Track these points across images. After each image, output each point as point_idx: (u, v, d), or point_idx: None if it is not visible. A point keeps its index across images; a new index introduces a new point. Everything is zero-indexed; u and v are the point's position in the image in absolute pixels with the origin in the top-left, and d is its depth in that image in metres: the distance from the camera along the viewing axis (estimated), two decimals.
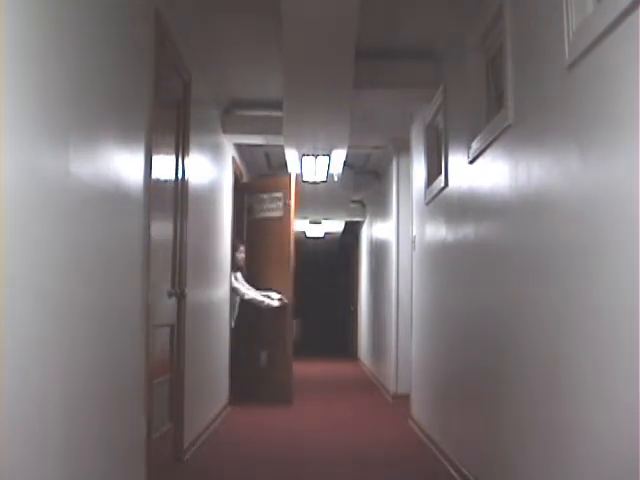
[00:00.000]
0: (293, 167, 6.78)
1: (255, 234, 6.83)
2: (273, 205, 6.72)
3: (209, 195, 5.06)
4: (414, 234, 5.62)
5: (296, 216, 6.91)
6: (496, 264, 3.11)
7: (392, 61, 4.74)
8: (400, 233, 6.86)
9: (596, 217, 1.94)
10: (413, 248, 5.68)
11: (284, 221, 6.67)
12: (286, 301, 6.50)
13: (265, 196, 6.79)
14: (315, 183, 7.26)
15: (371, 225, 10.01)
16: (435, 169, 4.70)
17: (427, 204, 4.91)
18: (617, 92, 1.81)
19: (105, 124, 2.49)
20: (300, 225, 10.39)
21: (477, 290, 3.47)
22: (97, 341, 2.40)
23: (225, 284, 5.99)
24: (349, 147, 6.06)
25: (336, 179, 7.44)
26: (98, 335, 2.42)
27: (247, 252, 6.65)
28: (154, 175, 3.20)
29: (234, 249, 6.38)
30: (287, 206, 6.64)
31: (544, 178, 2.43)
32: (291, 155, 6.30)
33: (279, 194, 6.70)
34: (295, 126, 5.39)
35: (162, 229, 3.48)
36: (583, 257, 2.03)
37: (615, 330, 1.80)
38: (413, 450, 4.55)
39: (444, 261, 4.37)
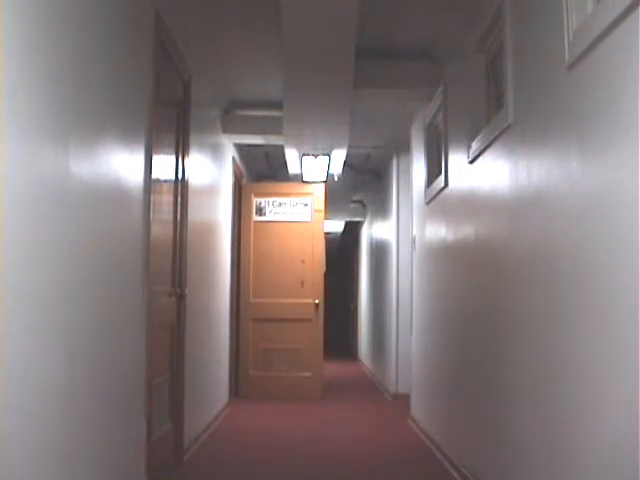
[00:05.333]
0: (293, 167, 6.80)
1: (265, 235, 7.04)
2: (296, 210, 7.11)
3: (209, 195, 5.06)
4: (414, 234, 5.62)
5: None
6: (496, 264, 3.11)
7: (392, 61, 4.74)
8: (400, 233, 6.86)
9: (596, 217, 1.94)
10: (413, 248, 5.68)
11: (313, 225, 7.12)
12: None
13: (285, 200, 7.12)
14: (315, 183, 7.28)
15: (371, 225, 10.01)
16: (435, 169, 4.70)
17: (427, 204, 4.91)
18: (617, 92, 1.81)
19: (105, 124, 2.49)
20: None
21: (477, 290, 3.47)
22: (97, 341, 2.40)
23: (225, 284, 5.99)
24: (349, 147, 6.07)
25: (336, 179, 7.45)
26: (98, 335, 2.42)
27: (255, 250, 6.86)
28: (154, 175, 3.20)
29: None
30: (316, 212, 7.10)
31: (544, 178, 2.43)
32: (291, 155, 6.31)
33: (306, 200, 7.11)
34: (295, 126, 5.40)
35: (162, 229, 3.48)
36: (583, 256, 2.03)
37: (615, 330, 1.80)
38: (413, 450, 4.55)
39: (444, 261, 4.37)
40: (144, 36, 3.07)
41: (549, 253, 2.35)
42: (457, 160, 3.98)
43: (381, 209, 8.43)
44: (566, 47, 2.14)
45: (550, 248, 2.34)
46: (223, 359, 5.92)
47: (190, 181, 4.05)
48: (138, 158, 2.97)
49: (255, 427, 5.34)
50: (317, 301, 6.96)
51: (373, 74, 4.72)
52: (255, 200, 7.10)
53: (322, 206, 7.10)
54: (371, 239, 9.97)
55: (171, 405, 3.73)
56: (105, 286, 2.50)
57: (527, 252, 2.62)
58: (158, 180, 3.33)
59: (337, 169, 6.96)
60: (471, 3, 3.51)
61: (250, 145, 6.71)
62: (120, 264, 2.71)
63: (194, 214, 4.21)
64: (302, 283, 6.99)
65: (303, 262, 7.00)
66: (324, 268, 7.22)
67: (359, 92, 4.69)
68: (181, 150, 3.88)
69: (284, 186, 7.28)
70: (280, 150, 6.29)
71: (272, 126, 5.81)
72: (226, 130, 5.81)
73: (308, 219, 7.11)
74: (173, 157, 3.76)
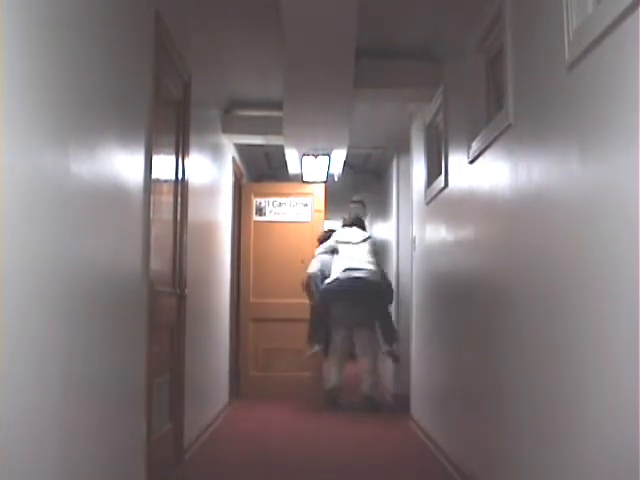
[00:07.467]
0: (293, 167, 6.80)
1: (265, 235, 7.07)
2: (296, 210, 7.13)
3: (209, 195, 5.05)
4: (414, 234, 5.62)
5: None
6: (496, 265, 3.11)
7: (392, 61, 4.74)
8: (400, 233, 6.85)
9: (596, 217, 1.94)
10: (413, 248, 5.68)
11: (313, 226, 7.11)
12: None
13: (285, 200, 7.13)
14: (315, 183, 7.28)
15: (371, 225, 10.00)
16: (435, 169, 4.69)
17: (427, 204, 4.91)
18: (617, 92, 1.81)
19: (105, 124, 2.49)
20: None
21: (477, 290, 3.47)
22: (97, 341, 2.40)
23: (225, 284, 5.99)
24: (349, 147, 6.06)
25: (336, 179, 7.45)
26: (98, 335, 2.41)
27: (255, 250, 6.86)
28: (154, 175, 3.20)
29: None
30: (316, 212, 7.11)
31: (544, 178, 2.43)
32: (291, 155, 6.31)
33: (306, 200, 7.12)
34: (295, 126, 5.40)
35: (162, 229, 3.48)
36: (583, 256, 2.03)
37: (615, 330, 1.80)
38: (413, 450, 4.55)
39: (444, 261, 4.37)
40: (144, 36, 3.07)
41: (550, 253, 2.35)
42: (457, 160, 3.97)
43: (381, 209, 8.43)
44: (566, 47, 2.14)
45: (551, 248, 2.34)
46: (223, 359, 5.92)
47: (190, 181, 4.05)
48: (138, 158, 2.97)
49: (255, 427, 5.34)
50: None
51: (373, 74, 4.72)
52: (255, 200, 7.11)
53: (322, 206, 7.10)
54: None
55: (171, 405, 3.73)
56: (105, 286, 2.49)
57: (527, 252, 2.61)
58: (158, 180, 3.33)
59: (337, 169, 6.96)
60: (471, 3, 3.51)
61: (250, 145, 6.70)
62: (120, 264, 2.72)
63: (194, 214, 4.21)
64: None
65: (303, 262, 6.99)
66: None
67: (359, 92, 4.69)
68: (181, 150, 3.88)
69: (284, 186, 7.28)
70: (280, 150, 6.29)
71: (272, 126, 5.80)
72: (226, 130, 5.81)
73: (308, 219, 7.12)
74: (173, 157, 3.76)
